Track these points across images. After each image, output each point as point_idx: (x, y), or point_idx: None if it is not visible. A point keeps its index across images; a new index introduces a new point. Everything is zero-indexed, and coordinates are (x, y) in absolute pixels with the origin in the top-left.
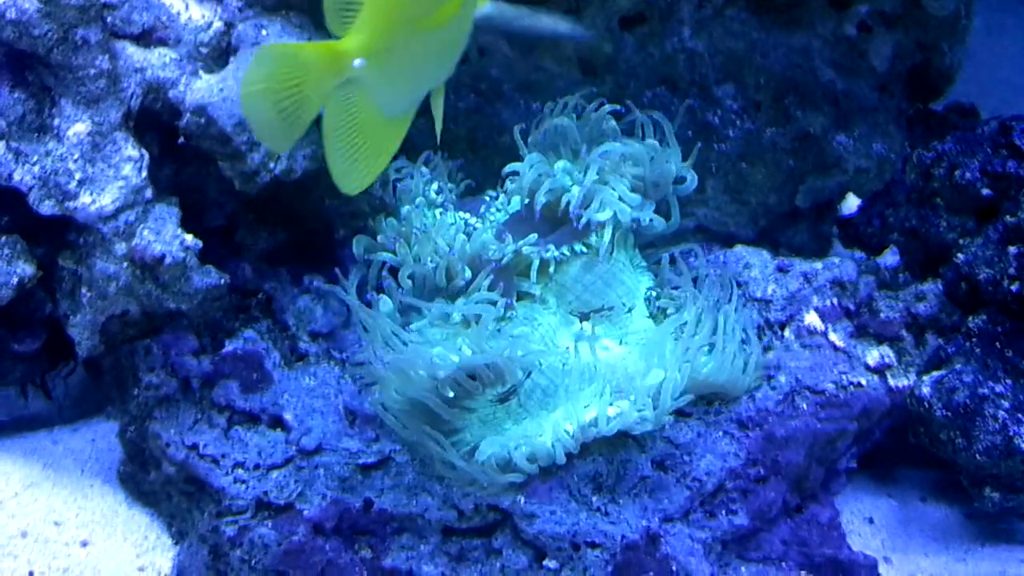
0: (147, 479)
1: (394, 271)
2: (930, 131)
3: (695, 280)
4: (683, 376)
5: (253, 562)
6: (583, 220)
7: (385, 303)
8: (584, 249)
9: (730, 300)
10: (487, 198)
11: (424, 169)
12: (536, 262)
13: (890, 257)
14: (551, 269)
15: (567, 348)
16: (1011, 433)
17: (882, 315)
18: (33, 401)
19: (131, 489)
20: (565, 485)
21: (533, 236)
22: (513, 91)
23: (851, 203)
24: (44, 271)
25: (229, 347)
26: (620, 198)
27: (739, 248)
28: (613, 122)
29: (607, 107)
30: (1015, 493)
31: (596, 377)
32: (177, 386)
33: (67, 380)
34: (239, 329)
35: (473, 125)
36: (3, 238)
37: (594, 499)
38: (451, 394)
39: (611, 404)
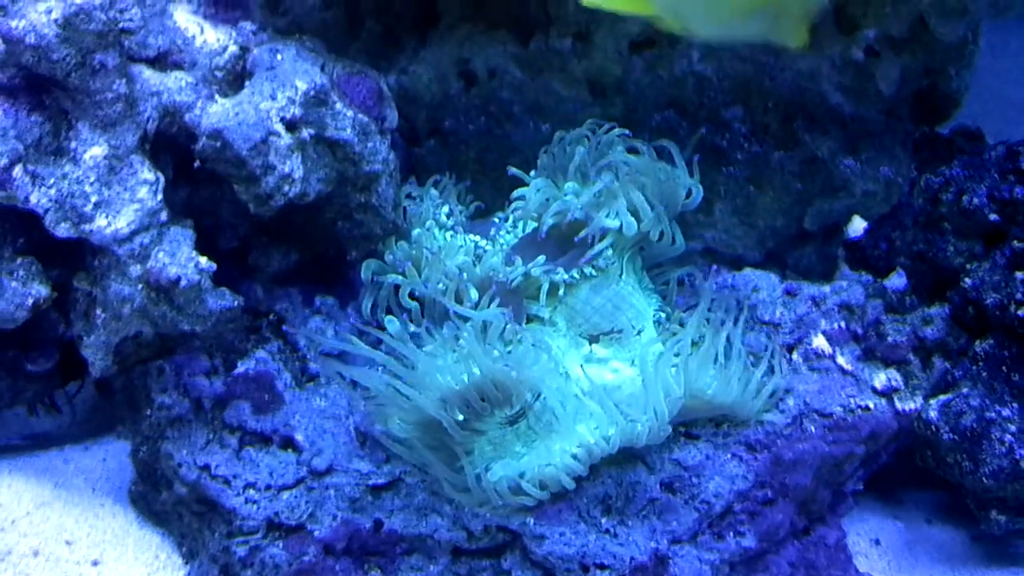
0: (159, 499)
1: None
2: (936, 154)
3: (700, 302)
4: (682, 386)
5: None
6: (588, 228)
7: (392, 323)
8: (593, 272)
9: (736, 322)
10: (496, 220)
11: (434, 192)
12: (545, 285)
13: (897, 280)
14: (561, 292)
15: (576, 370)
16: (1017, 456)
17: (889, 338)
18: (43, 419)
19: (142, 509)
20: (574, 507)
21: (541, 259)
22: (523, 113)
23: (857, 225)
24: (58, 292)
25: (241, 368)
26: (629, 209)
27: (748, 271)
28: (621, 147)
29: (616, 131)
30: (1022, 516)
31: (603, 399)
32: (189, 407)
33: (74, 399)
34: (251, 350)
35: (483, 147)
36: (19, 260)
37: (603, 521)
38: (461, 417)
39: (614, 424)
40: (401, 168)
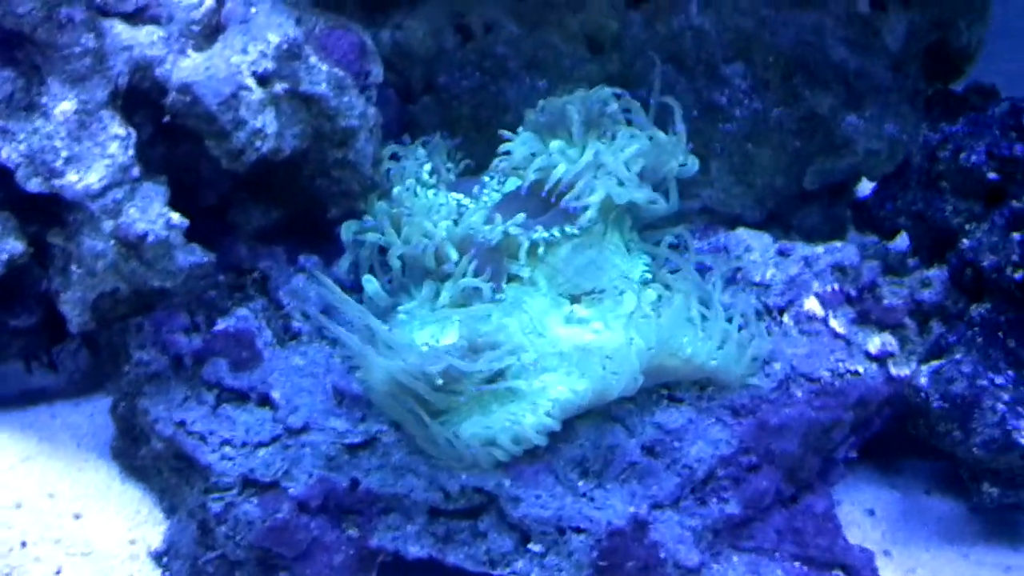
0: (138, 454)
1: (385, 251)
2: (948, 112)
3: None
4: (652, 338)
5: (238, 538)
6: (570, 201)
7: (370, 282)
8: (575, 231)
9: (714, 283)
10: (485, 179)
11: (420, 151)
12: (525, 244)
13: (901, 241)
14: (541, 251)
15: (553, 330)
16: (1009, 427)
17: (885, 301)
18: (40, 375)
19: (123, 464)
20: (551, 469)
21: (520, 216)
22: (519, 69)
23: (867, 185)
24: (38, 248)
25: (221, 325)
26: (618, 180)
27: (740, 231)
28: (615, 105)
29: (608, 90)
30: (1014, 488)
31: (580, 353)
32: (167, 363)
33: (64, 354)
34: (232, 308)
35: (477, 103)
36: None
37: (580, 484)
38: (440, 381)
39: (586, 377)
40: (395, 125)
